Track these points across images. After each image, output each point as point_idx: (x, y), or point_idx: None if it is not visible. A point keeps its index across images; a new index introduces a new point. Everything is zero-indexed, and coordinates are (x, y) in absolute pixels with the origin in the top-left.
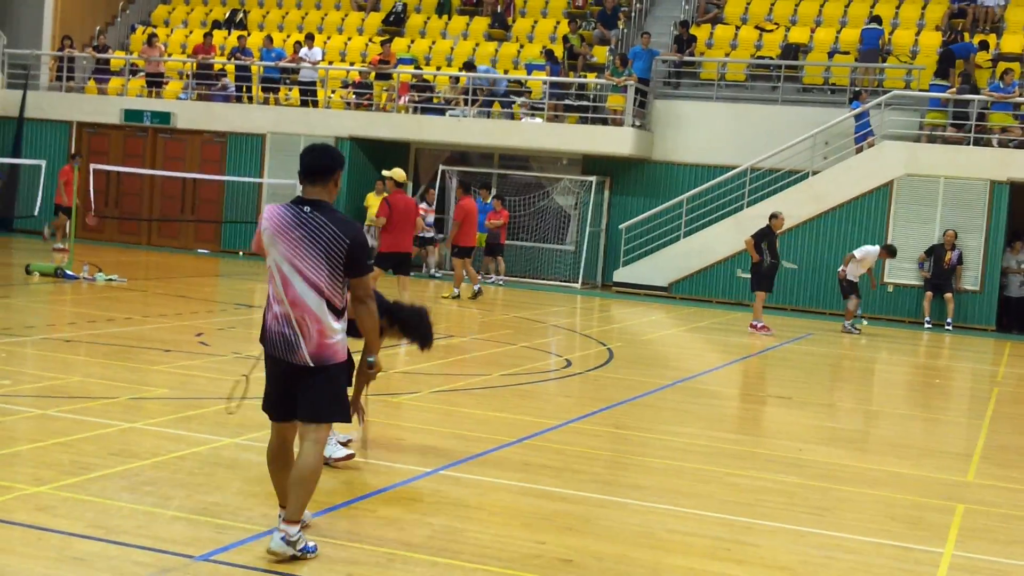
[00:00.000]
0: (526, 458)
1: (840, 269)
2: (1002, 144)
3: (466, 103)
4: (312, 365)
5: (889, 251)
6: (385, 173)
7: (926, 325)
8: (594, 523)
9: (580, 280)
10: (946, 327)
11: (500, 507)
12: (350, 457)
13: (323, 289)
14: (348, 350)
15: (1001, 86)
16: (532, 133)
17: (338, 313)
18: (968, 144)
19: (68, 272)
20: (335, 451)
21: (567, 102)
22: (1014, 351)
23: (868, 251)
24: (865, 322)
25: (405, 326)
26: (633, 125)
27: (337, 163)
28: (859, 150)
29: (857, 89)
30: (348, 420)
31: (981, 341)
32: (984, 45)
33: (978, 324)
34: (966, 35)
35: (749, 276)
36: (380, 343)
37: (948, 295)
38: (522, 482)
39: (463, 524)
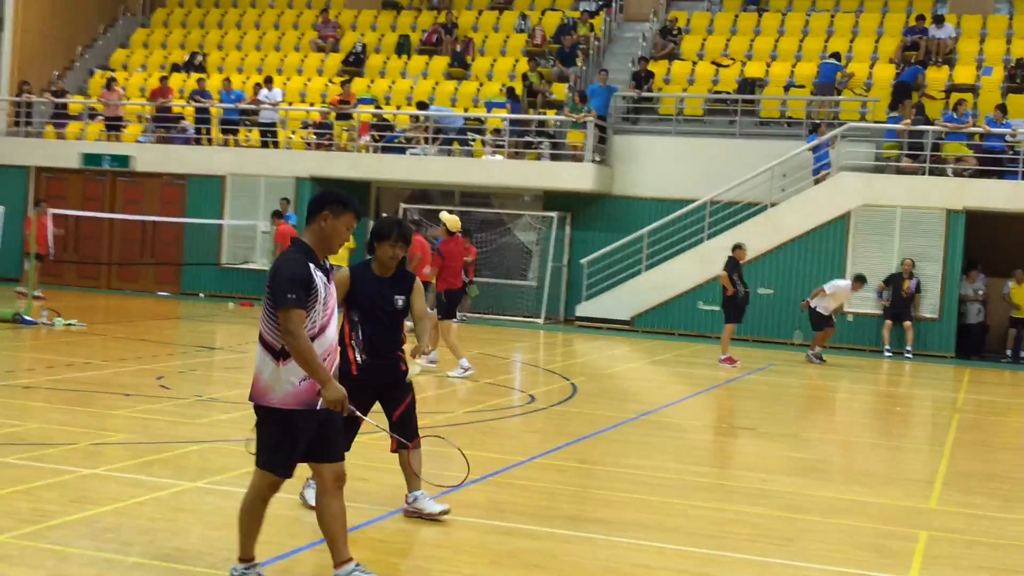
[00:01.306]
0: (492, 495)
1: (805, 300)
2: (957, 173)
3: (427, 141)
4: (252, 403)
5: (860, 280)
6: (443, 217)
7: (886, 353)
8: (560, 559)
9: (543, 315)
10: (906, 355)
11: (466, 546)
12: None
13: (262, 330)
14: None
15: (955, 116)
16: (493, 170)
17: (275, 354)
18: (924, 174)
19: (27, 318)
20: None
21: (527, 139)
22: (973, 377)
23: (838, 286)
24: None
25: None
26: (593, 161)
27: (315, 205)
28: (817, 182)
29: (816, 122)
30: (269, 471)
31: (940, 368)
32: (925, 65)
33: (937, 351)
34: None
35: (716, 308)
36: (328, 378)
37: (907, 323)
38: (488, 520)
39: (430, 564)
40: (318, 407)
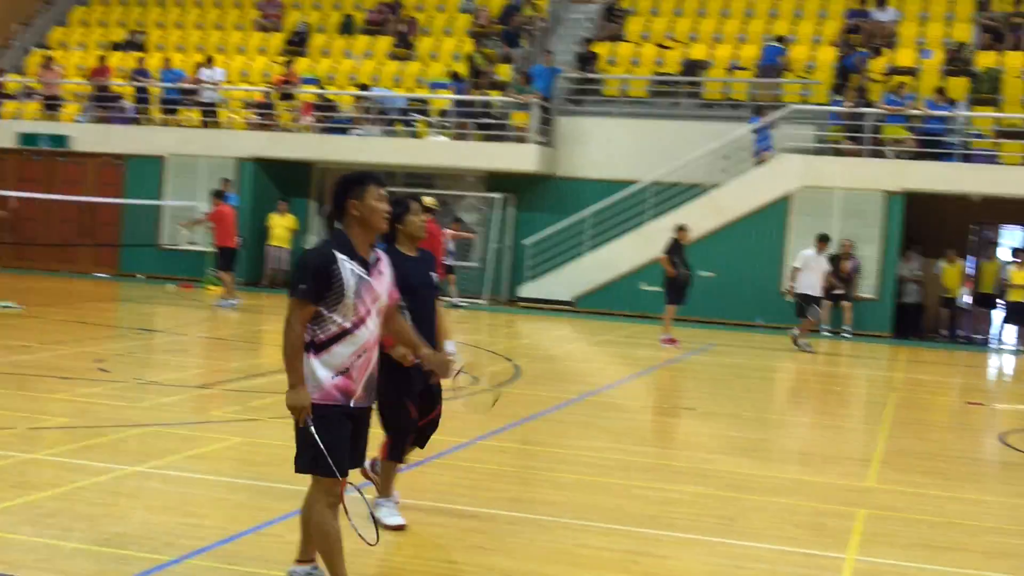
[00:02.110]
0: (435, 478)
1: (789, 286)
2: (896, 155)
3: (371, 122)
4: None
5: (822, 240)
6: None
7: (824, 333)
8: (505, 541)
9: (486, 296)
10: (844, 334)
11: (410, 528)
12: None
13: None
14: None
15: (895, 99)
16: (437, 151)
17: (306, 346)
18: (864, 156)
19: None
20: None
21: (472, 120)
22: (910, 357)
23: (805, 256)
24: (759, 318)
25: None
26: (537, 142)
27: (336, 200)
28: (759, 163)
29: (760, 104)
30: (309, 471)
31: (878, 348)
32: (877, 52)
33: (875, 331)
34: (860, 50)
35: (658, 289)
36: (297, 382)
37: (846, 303)
38: (432, 502)
39: (374, 547)
40: (351, 404)
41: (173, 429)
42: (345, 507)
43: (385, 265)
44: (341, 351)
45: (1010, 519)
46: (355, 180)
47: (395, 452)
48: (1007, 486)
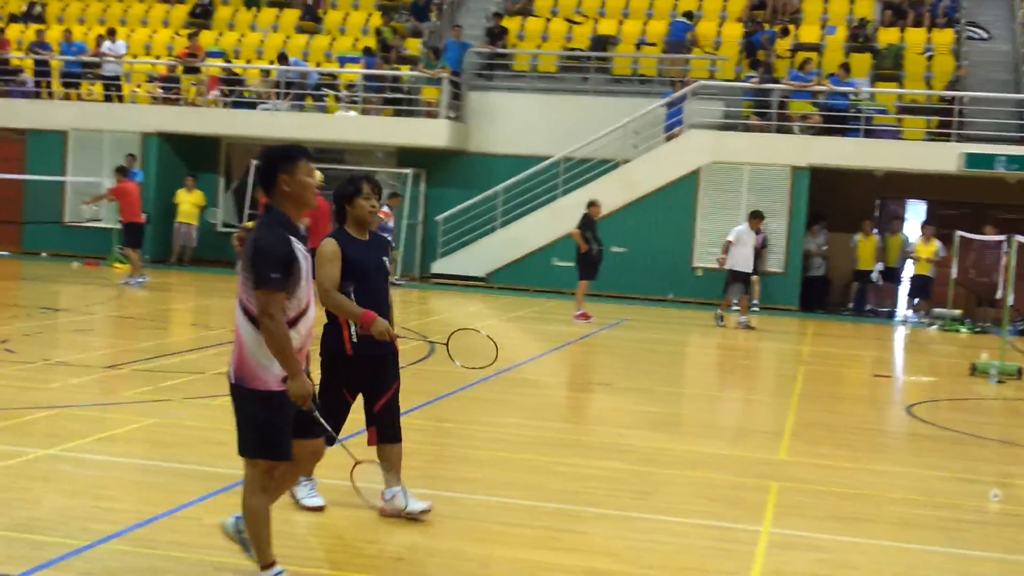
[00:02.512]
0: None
1: (721, 258)
2: (803, 131)
3: (278, 96)
4: (232, 382)
5: (755, 217)
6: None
7: (734, 308)
8: (423, 519)
9: (398, 272)
10: (752, 308)
11: (329, 508)
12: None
13: (243, 300)
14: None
15: (800, 75)
16: (347, 127)
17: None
18: (771, 132)
19: None
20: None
21: (382, 95)
22: (817, 330)
23: (739, 231)
24: (671, 293)
25: None
26: (448, 117)
27: (265, 173)
28: (669, 138)
29: (675, 79)
30: (265, 457)
31: (786, 321)
32: (784, 32)
33: (783, 304)
34: (766, 26)
35: (570, 264)
36: (298, 371)
37: (754, 277)
38: (348, 481)
39: (293, 528)
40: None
41: (83, 411)
42: (354, 482)
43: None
44: (295, 335)
45: (918, 490)
46: (285, 154)
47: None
48: (914, 457)
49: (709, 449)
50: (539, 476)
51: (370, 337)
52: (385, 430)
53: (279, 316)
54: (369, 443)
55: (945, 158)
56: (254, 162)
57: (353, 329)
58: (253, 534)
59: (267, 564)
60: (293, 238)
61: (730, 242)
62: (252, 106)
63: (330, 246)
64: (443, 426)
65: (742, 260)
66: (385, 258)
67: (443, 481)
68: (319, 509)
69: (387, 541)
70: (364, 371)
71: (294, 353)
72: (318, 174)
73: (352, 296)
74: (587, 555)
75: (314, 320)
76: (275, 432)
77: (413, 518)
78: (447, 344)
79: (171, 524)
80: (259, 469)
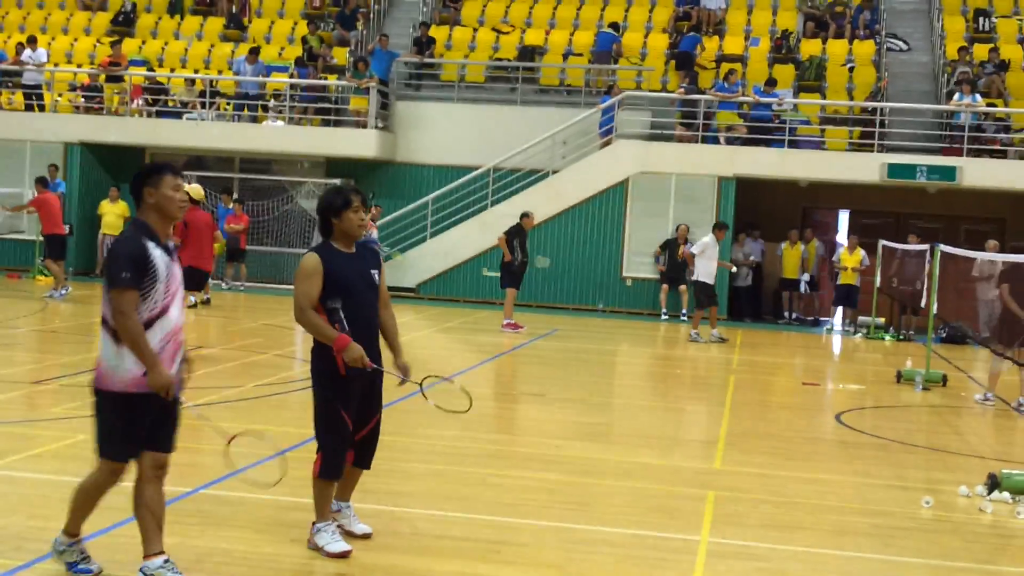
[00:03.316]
0: (290, 472)
1: (690, 269)
2: (728, 141)
3: (203, 106)
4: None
5: (719, 228)
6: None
7: (663, 317)
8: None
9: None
10: (682, 317)
11: (266, 524)
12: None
13: (104, 313)
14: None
15: (725, 86)
16: (274, 136)
17: (117, 336)
18: (697, 142)
19: None
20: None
21: (309, 105)
22: (746, 339)
23: (704, 243)
24: (600, 303)
25: None
26: (376, 127)
27: (134, 187)
28: (603, 146)
29: (611, 84)
30: (103, 456)
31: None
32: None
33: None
34: (692, 36)
35: (497, 274)
36: (155, 363)
37: (683, 287)
38: (286, 496)
39: (230, 544)
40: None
41: (11, 428)
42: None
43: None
44: (150, 338)
45: (851, 497)
46: (151, 169)
47: (329, 469)
48: (846, 464)
49: (645, 459)
50: (476, 488)
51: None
52: (365, 456)
53: (131, 313)
54: (314, 474)
55: (867, 168)
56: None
57: None
58: (75, 506)
59: (153, 552)
60: (152, 244)
61: (693, 255)
62: (177, 115)
63: (310, 261)
64: (380, 439)
65: (707, 272)
66: (375, 271)
67: (380, 495)
68: (345, 555)
69: (325, 558)
70: (357, 393)
71: (149, 346)
72: (197, 189)
73: (340, 313)
74: (528, 567)
75: (178, 325)
76: (115, 434)
77: (355, 536)
78: (421, 384)
79: (107, 542)
80: (103, 469)
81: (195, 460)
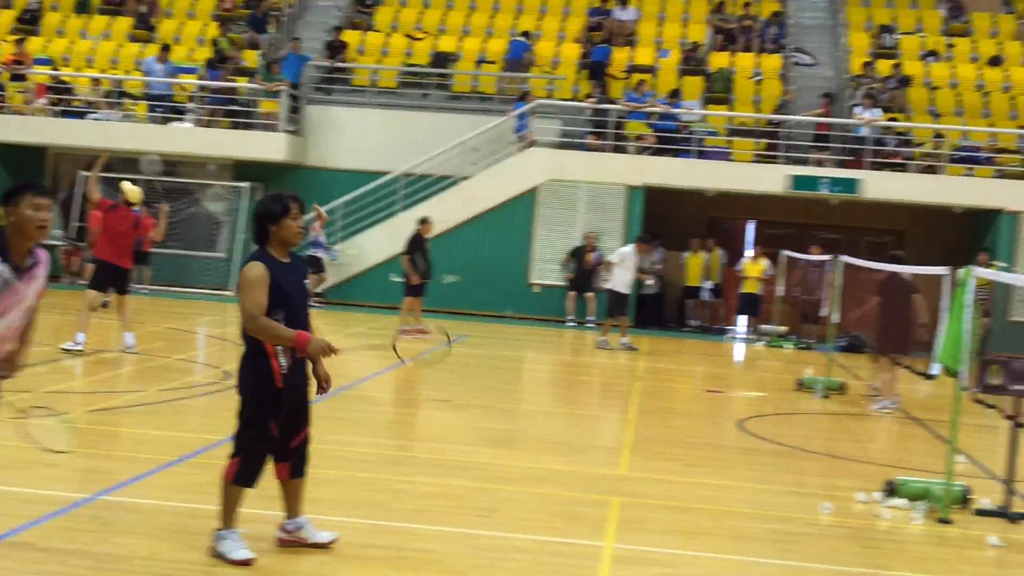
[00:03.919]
0: (192, 478)
1: (604, 279)
2: (638, 151)
3: (109, 106)
4: None
5: (641, 241)
6: (123, 186)
7: (570, 323)
8: (269, 540)
9: (232, 288)
10: (589, 325)
11: (169, 530)
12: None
13: None
14: None
15: (636, 96)
16: (181, 138)
17: None
18: (607, 151)
19: None
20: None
21: (219, 107)
22: (651, 347)
23: (624, 253)
24: (509, 310)
25: None
26: (286, 131)
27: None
28: (524, 148)
29: (524, 92)
30: None
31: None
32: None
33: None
34: (603, 46)
35: (402, 281)
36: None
37: (590, 294)
38: (190, 503)
39: (131, 551)
40: None
41: None
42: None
43: (43, 268)
44: None
45: (752, 503)
46: (12, 189)
47: (246, 475)
48: (748, 471)
49: (551, 465)
50: (384, 495)
51: (296, 367)
52: (300, 465)
53: None
54: (279, 477)
55: (772, 179)
56: (82, 173)
57: (283, 359)
58: None
59: None
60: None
61: (612, 263)
62: (81, 115)
63: (256, 270)
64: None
65: (623, 282)
66: (306, 281)
67: None
68: (247, 563)
69: (227, 565)
70: (290, 404)
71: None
72: (134, 191)
73: (280, 323)
74: (435, 574)
75: (7, 333)
76: None
77: (320, 547)
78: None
79: (2, 551)
80: None
81: (93, 465)
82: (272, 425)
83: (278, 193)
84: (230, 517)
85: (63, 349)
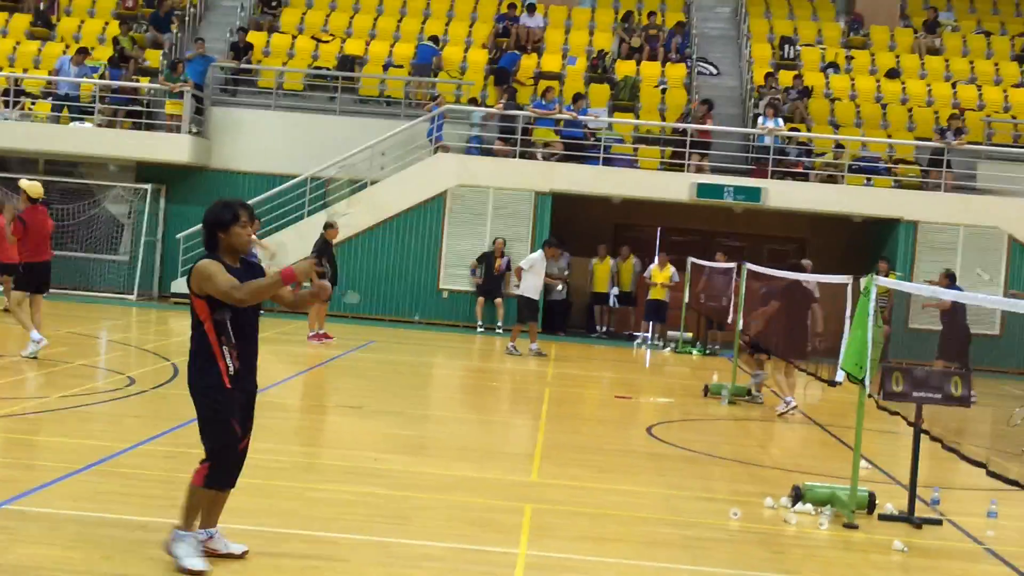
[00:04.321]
0: (97, 486)
1: (515, 283)
2: (545, 157)
3: (7, 105)
4: None
5: (549, 245)
6: (23, 184)
7: (479, 329)
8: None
9: (135, 291)
10: (498, 330)
11: (77, 540)
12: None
13: None
14: None
15: (543, 103)
16: (81, 138)
17: None
18: (515, 157)
19: None
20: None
21: (120, 108)
22: (559, 353)
23: (533, 259)
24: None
25: None
26: (190, 132)
27: None
28: (437, 150)
29: (434, 96)
30: None
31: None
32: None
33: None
34: (512, 53)
35: (307, 285)
36: None
37: (498, 300)
38: (96, 512)
39: (38, 563)
40: None
41: None
42: None
43: None
44: None
45: (662, 509)
46: None
47: (219, 477)
48: (657, 476)
49: (463, 472)
50: (295, 503)
51: (245, 371)
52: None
53: None
54: (195, 482)
55: (678, 187)
56: None
57: (229, 361)
58: None
59: None
60: None
61: (521, 269)
62: None
63: (211, 264)
64: (193, 452)
65: (534, 288)
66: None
67: None
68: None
69: (137, 575)
70: (242, 403)
71: None
72: (36, 187)
73: (228, 325)
74: None
75: None
76: None
77: (233, 557)
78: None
79: None
80: None
81: None
82: (234, 423)
83: (227, 200)
84: (191, 519)
85: (29, 356)
